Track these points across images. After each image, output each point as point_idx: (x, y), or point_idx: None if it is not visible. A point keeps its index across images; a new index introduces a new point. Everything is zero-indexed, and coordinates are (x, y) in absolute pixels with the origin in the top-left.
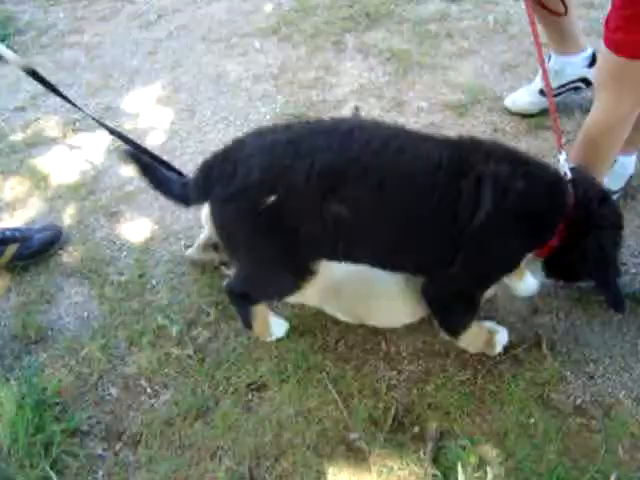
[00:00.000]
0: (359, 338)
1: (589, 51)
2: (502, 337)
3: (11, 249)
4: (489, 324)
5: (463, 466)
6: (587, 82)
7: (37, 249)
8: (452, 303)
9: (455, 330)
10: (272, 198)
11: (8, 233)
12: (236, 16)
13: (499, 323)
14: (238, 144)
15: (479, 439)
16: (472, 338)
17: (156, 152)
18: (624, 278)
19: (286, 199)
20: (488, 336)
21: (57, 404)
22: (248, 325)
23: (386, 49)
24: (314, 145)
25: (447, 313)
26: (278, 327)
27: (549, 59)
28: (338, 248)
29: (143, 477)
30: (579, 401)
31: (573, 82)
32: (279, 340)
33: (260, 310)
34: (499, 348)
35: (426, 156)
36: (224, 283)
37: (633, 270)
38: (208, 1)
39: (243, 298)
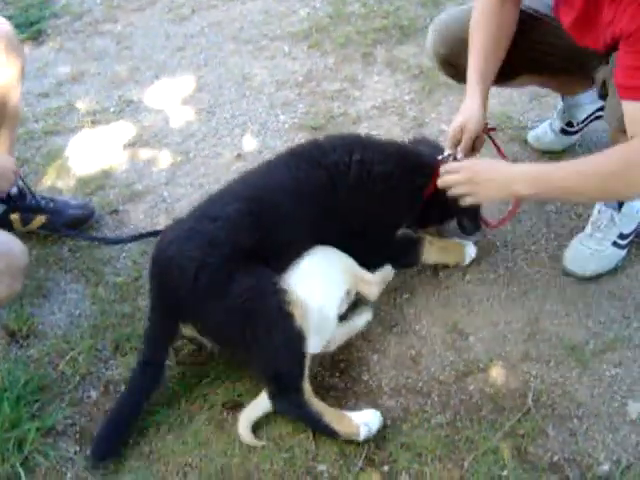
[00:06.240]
0: (342, 367)
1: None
2: (471, 249)
3: (39, 220)
4: (457, 239)
5: None
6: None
7: (64, 225)
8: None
9: (412, 262)
10: None
11: (43, 202)
12: (270, 17)
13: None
14: None
15: None
16: (439, 254)
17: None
18: None
19: None
20: (458, 247)
21: (36, 401)
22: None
23: (415, 65)
24: None
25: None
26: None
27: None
28: None
29: None
30: (556, 458)
31: (594, 112)
32: None
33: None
34: (469, 259)
35: None
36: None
37: (635, 324)
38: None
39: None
